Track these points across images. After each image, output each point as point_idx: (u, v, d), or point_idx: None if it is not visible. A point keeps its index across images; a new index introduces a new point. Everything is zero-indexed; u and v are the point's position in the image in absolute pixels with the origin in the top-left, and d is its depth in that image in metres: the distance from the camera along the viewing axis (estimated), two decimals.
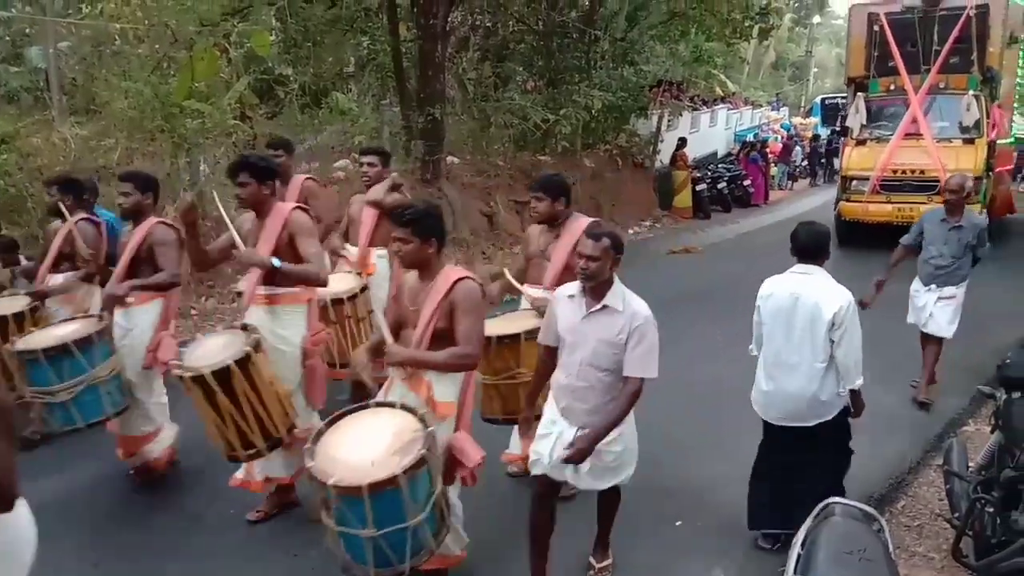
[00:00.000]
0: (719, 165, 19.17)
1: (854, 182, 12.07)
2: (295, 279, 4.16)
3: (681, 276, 10.89)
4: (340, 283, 5.33)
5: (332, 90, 14.25)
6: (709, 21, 16.00)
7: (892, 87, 12.43)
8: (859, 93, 12.64)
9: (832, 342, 3.76)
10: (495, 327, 4.20)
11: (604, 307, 3.37)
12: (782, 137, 25.88)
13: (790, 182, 23.65)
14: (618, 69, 15.65)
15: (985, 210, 11.24)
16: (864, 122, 12.48)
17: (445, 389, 3.38)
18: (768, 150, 22.04)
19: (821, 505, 3.00)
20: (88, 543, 4.23)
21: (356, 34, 13.23)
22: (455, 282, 3.36)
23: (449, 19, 11.62)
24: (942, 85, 12.09)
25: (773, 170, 22.19)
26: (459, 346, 3.33)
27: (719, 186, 17.66)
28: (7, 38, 16.83)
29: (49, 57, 12.49)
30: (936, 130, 11.93)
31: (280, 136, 7.11)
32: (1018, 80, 14.39)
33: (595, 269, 3.34)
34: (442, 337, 3.36)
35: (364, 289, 5.46)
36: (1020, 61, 14.15)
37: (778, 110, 31.50)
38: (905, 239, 6.18)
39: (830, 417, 3.89)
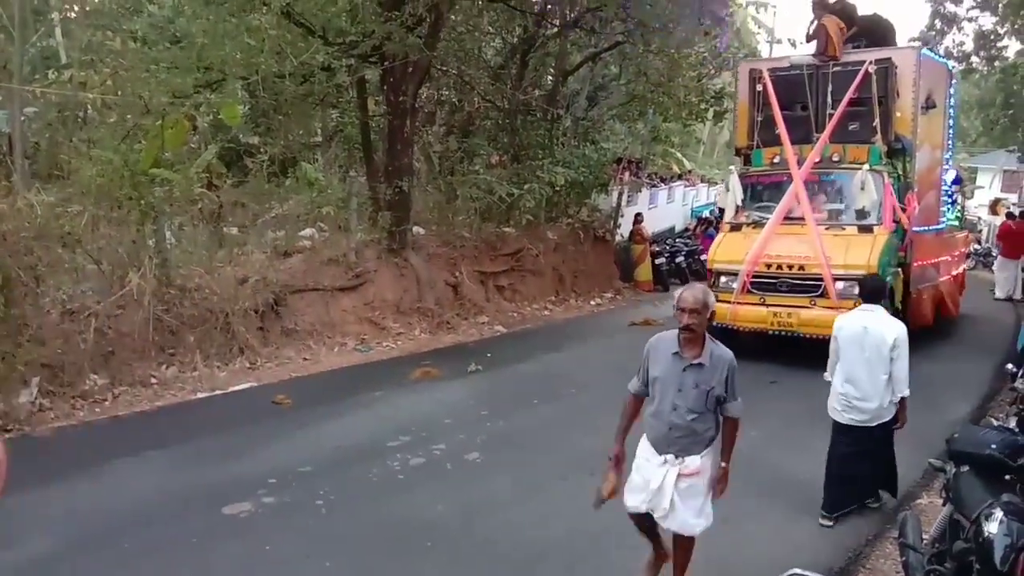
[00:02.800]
0: (677, 240, 19.73)
1: (723, 278, 9.83)
2: None
3: (641, 347, 11.05)
4: None
5: (299, 160, 14.44)
6: (666, 103, 16.66)
7: (776, 159, 10.27)
8: (732, 168, 10.87)
9: (891, 360, 5.26)
10: None
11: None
12: None
13: None
14: (580, 147, 16.17)
15: (899, 315, 9.29)
16: (740, 202, 10.46)
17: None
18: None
19: None
20: None
21: (326, 108, 13.50)
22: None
23: (417, 95, 11.95)
24: (836, 158, 9.98)
25: None
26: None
27: (677, 260, 18.12)
28: None
29: (15, 123, 12.50)
30: (825, 214, 9.92)
31: None
32: (948, 154, 12.14)
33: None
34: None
35: None
36: (948, 130, 11.83)
37: None
38: (633, 383, 4.19)
39: (886, 420, 5.40)
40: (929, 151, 11.01)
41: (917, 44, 10.72)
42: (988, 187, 38.35)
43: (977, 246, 22.94)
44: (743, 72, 11.12)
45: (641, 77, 16.05)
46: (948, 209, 12.38)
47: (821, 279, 9.16)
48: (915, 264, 10.25)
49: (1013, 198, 32.82)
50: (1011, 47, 23.30)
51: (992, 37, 22.59)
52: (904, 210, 9.78)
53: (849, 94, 9.86)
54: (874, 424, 5.37)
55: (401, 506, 5.51)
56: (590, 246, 16.30)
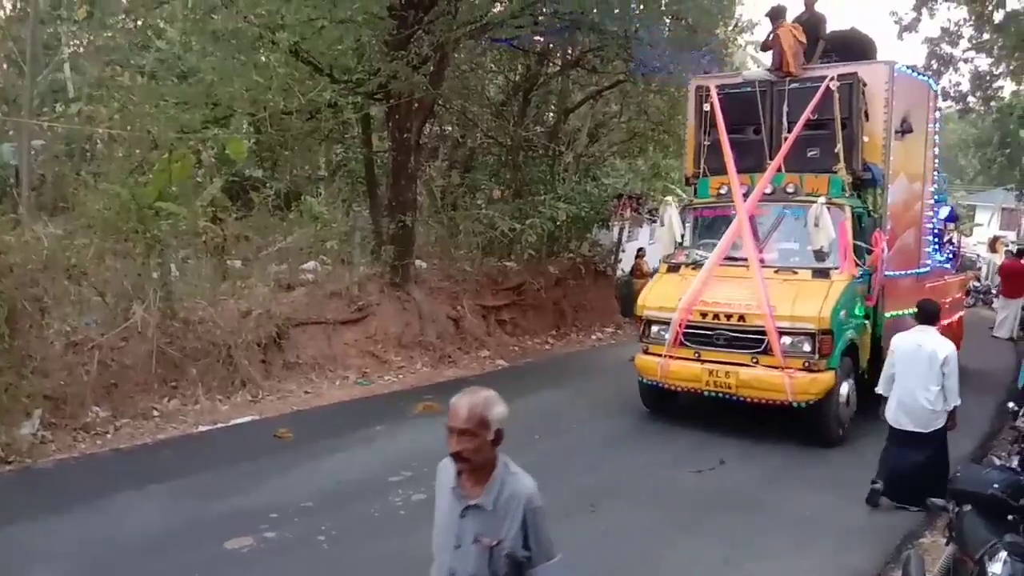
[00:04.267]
0: None
1: (654, 327, 8.42)
2: None
3: None
4: None
5: (303, 194, 14.59)
6: (666, 140, 16.87)
7: (723, 189, 8.89)
8: (667, 199, 9.44)
9: (943, 374, 6.00)
10: None
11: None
12: None
13: None
14: (581, 182, 16.33)
15: (865, 379, 8.21)
16: (680, 239, 9.03)
17: None
18: None
19: None
20: None
21: (331, 143, 13.66)
22: None
23: (421, 132, 12.12)
24: (790, 189, 8.57)
25: None
26: None
27: None
28: None
29: (23, 155, 12.64)
30: (776, 254, 8.44)
31: None
32: (934, 187, 10.59)
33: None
34: None
35: None
36: (932, 160, 10.39)
37: None
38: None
39: (939, 426, 6.10)
40: (906, 183, 9.48)
41: (891, 60, 8.98)
42: (987, 225, 38.62)
43: (976, 283, 23.00)
44: (692, 90, 9.80)
45: (642, 115, 16.29)
46: (935, 250, 10.89)
47: (763, 332, 7.70)
48: (889, 315, 8.78)
49: (1012, 235, 33.03)
50: (1007, 87, 23.65)
51: (988, 78, 22.93)
52: (871, 251, 8.32)
53: (806, 115, 8.48)
54: (928, 431, 6.12)
55: (403, 543, 5.47)
56: (591, 281, 16.38)
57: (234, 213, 12.49)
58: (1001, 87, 23.38)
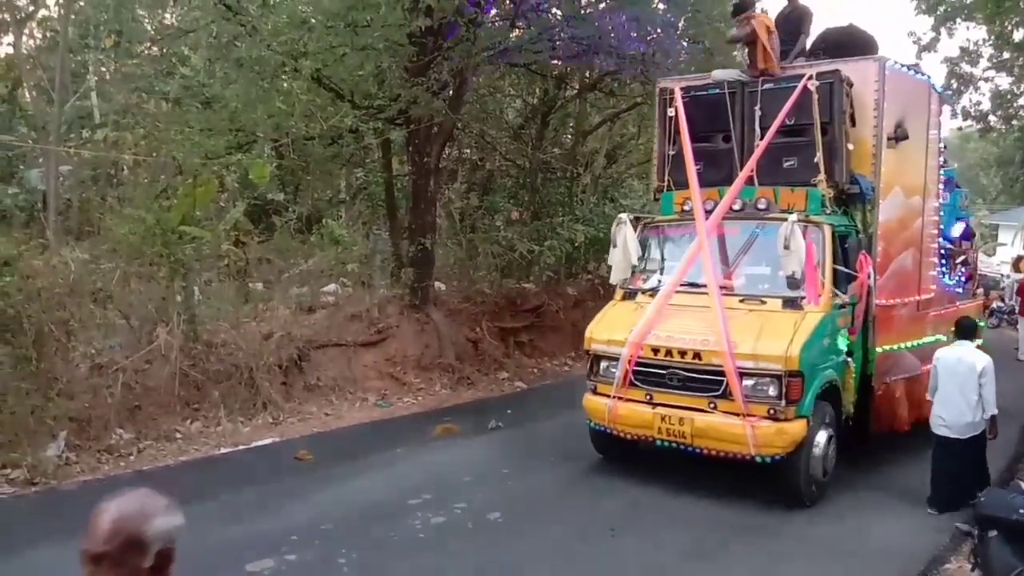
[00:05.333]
0: None
1: (603, 362, 7.34)
2: None
3: None
4: None
5: (324, 217, 14.76)
6: None
7: (687, 205, 7.76)
8: (621, 216, 8.03)
9: (981, 385, 6.40)
10: None
11: None
12: None
13: None
14: (599, 204, 16.38)
15: (850, 424, 7.35)
16: (637, 261, 7.87)
17: None
18: None
19: None
20: None
21: (352, 167, 13.84)
22: None
23: (441, 156, 12.25)
24: (762, 204, 7.43)
25: None
26: None
27: None
28: (7, 157, 17.39)
29: (50, 180, 12.92)
30: (744, 280, 7.31)
31: None
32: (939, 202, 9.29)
33: None
34: None
35: None
36: (937, 171, 9.13)
37: None
38: None
39: (978, 433, 6.50)
40: (902, 197, 8.18)
41: (882, 56, 7.88)
42: (1010, 244, 38.16)
43: (1000, 303, 22.70)
44: (657, 93, 8.75)
45: None
46: (943, 272, 9.55)
47: (721, 371, 6.55)
48: (881, 349, 7.73)
49: None
50: None
51: (1009, 97, 22.86)
52: (857, 276, 7.17)
53: (779, 119, 7.38)
54: (966, 437, 6.50)
55: (422, 566, 5.51)
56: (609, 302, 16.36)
57: (256, 236, 12.69)
58: (1023, 106, 23.29)
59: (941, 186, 9.49)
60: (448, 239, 14.49)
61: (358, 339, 10.94)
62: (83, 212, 13.74)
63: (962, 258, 10.94)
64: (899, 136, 7.92)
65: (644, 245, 7.97)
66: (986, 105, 23.09)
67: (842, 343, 7.07)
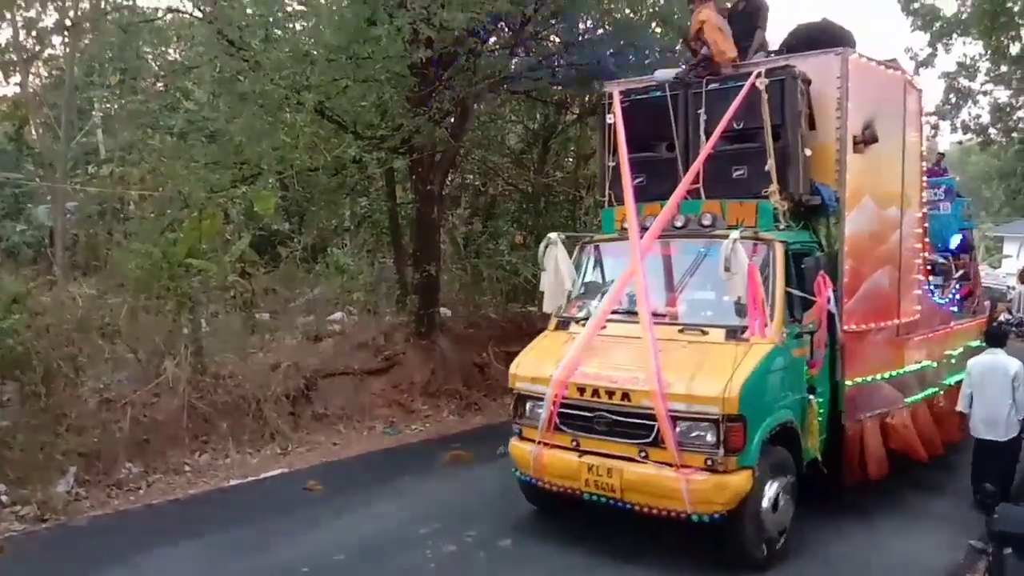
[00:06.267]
0: None
1: (529, 402, 6.42)
2: None
3: None
4: None
5: (329, 246, 14.85)
6: None
7: (626, 223, 6.68)
8: (551, 235, 7.01)
9: (1015, 388, 6.84)
10: None
11: None
12: None
13: None
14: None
15: (817, 471, 6.34)
16: (571, 286, 6.91)
17: None
18: None
19: None
20: None
21: (356, 196, 13.94)
22: None
23: (444, 183, 12.33)
24: (707, 220, 6.52)
25: None
26: None
27: None
28: (15, 194, 17.57)
29: (57, 217, 13.04)
30: (686, 307, 6.36)
31: None
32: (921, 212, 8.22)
33: None
34: None
35: None
36: (919, 176, 8.11)
37: None
38: None
39: (1014, 435, 6.94)
40: (874, 208, 7.18)
41: (844, 48, 6.88)
42: (1016, 256, 38.09)
43: (1008, 315, 22.63)
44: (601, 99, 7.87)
45: None
46: (936, 289, 8.78)
47: (651, 415, 5.61)
48: (852, 382, 6.74)
49: None
50: None
51: (1008, 110, 22.96)
52: (817, 300, 6.13)
53: (723, 124, 6.49)
54: (1004, 440, 6.92)
55: None
56: None
57: (262, 267, 12.79)
58: (1022, 118, 23.39)
59: (927, 194, 8.81)
60: (453, 265, 14.53)
61: (365, 367, 10.95)
62: (90, 247, 13.85)
63: (960, 272, 10.12)
64: (868, 139, 6.98)
65: (580, 268, 7.10)
66: (986, 118, 23.21)
67: (801, 378, 6.14)
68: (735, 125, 6.56)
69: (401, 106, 10.07)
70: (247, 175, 10.09)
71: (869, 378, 7.02)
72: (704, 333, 5.99)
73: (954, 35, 21.69)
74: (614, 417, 5.82)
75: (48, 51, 16.52)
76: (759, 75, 6.37)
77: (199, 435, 8.87)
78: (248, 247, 12.87)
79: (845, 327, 6.65)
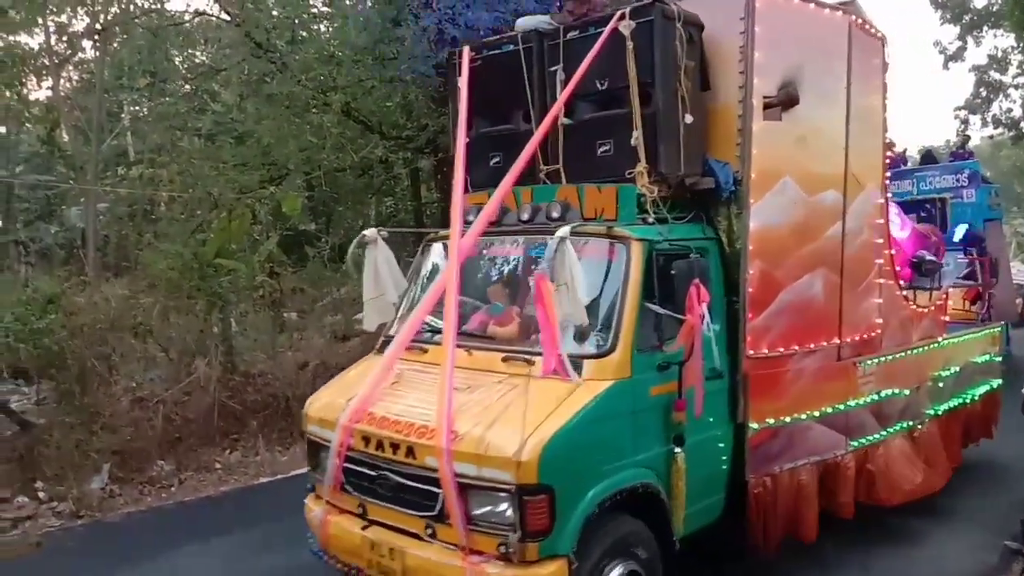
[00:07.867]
0: None
1: (322, 452, 4.66)
2: None
3: None
4: None
5: None
6: None
7: (472, 215, 5.00)
8: (366, 232, 5.38)
9: None
10: None
11: None
12: None
13: None
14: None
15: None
16: (397, 299, 5.26)
17: None
18: None
19: None
20: None
21: (381, 196, 14.04)
22: None
23: None
24: (555, 213, 4.69)
25: None
26: None
27: None
28: (47, 196, 17.90)
29: (89, 218, 13.30)
30: (516, 328, 4.74)
31: None
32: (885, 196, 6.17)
33: None
34: None
35: None
36: (881, 152, 6.08)
37: None
38: None
39: None
40: (798, 192, 5.26)
41: None
42: None
43: None
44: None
45: None
46: (919, 292, 6.98)
47: (433, 474, 4.00)
48: (759, 424, 4.92)
49: None
50: None
51: None
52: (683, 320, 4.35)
53: (573, 81, 4.74)
54: None
55: None
56: None
57: (290, 267, 12.91)
58: None
59: (949, 179, 7.46)
60: None
61: None
62: (121, 248, 14.11)
63: (965, 271, 8.22)
64: (784, 101, 5.17)
65: (419, 273, 5.39)
66: (1017, 112, 22.84)
67: (659, 424, 4.40)
68: (598, 85, 4.83)
69: (426, 106, 10.12)
70: (275, 176, 10.21)
71: (788, 418, 5.17)
72: (531, 363, 4.21)
73: (985, 27, 21.39)
74: (398, 479, 4.19)
75: (79, 55, 16.84)
76: (623, 16, 4.60)
77: (229, 433, 8.99)
78: (276, 247, 13.02)
79: (751, 352, 4.89)
